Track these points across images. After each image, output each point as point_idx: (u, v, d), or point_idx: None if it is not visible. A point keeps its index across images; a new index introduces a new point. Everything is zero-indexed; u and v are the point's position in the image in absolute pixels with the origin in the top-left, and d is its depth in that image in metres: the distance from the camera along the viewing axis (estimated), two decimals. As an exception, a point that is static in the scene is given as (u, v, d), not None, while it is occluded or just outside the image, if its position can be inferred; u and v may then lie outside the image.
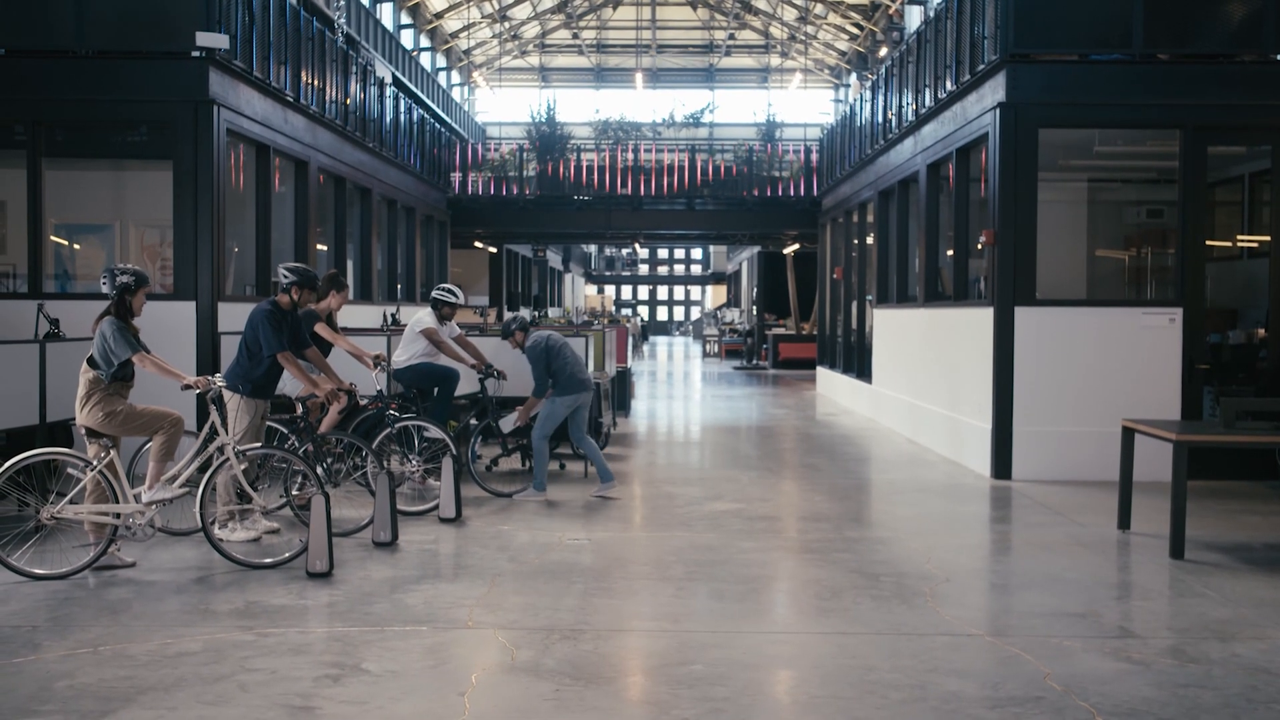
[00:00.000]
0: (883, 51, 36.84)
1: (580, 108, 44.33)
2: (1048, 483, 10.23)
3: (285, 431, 8.28)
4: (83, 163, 12.41)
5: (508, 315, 9.62)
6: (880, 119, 16.43)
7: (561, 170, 25.52)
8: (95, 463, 6.67)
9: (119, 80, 10.89)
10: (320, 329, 8.72)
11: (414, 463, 8.98)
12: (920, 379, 13.60)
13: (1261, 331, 11.13)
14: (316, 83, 13.95)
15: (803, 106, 44.91)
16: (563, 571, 6.84)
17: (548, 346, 9.19)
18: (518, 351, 9.48)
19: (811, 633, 5.72)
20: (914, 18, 30.52)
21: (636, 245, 40.46)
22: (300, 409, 7.87)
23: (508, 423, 9.62)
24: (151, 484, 6.77)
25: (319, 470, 7.46)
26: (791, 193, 25.13)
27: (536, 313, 35.62)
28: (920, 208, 13.82)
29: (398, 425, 8.60)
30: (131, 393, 6.92)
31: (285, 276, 7.62)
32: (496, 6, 43.00)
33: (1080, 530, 8.21)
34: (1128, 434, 8.18)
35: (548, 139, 26.70)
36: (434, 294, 9.75)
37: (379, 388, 8.80)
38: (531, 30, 47.37)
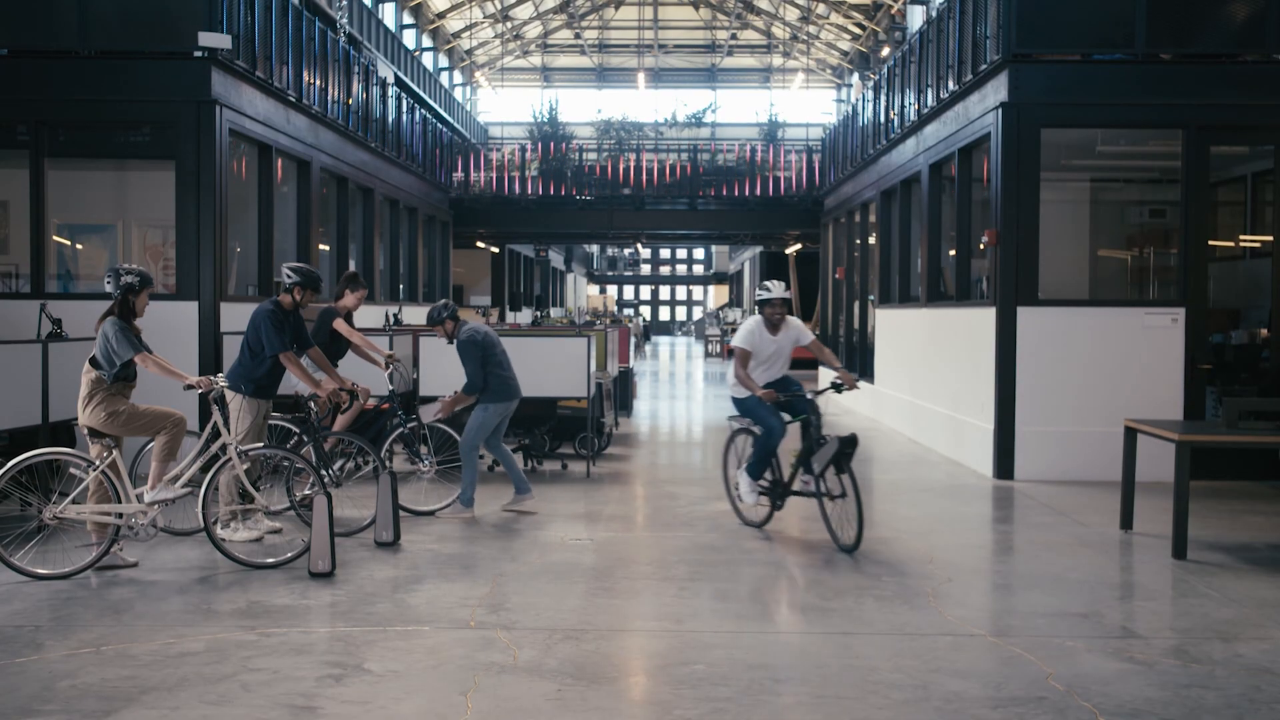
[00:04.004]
0: (885, 51, 36.82)
1: (582, 107, 44.29)
2: (1050, 483, 10.22)
3: (296, 430, 8.27)
4: (85, 163, 12.42)
5: (441, 303, 8.59)
6: (882, 119, 16.42)
7: (564, 170, 25.51)
8: (98, 463, 6.67)
9: (121, 80, 10.90)
10: (338, 325, 8.78)
11: (425, 463, 8.90)
12: (922, 379, 13.59)
13: (1264, 331, 11.12)
14: (319, 83, 13.95)
15: (805, 106, 44.85)
16: (565, 571, 6.84)
17: (484, 341, 8.41)
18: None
19: (814, 633, 5.72)
20: (916, 17, 30.48)
21: (639, 245, 40.49)
22: (312, 407, 7.86)
23: (427, 412, 8.77)
24: (154, 484, 6.78)
25: (324, 470, 7.46)
26: (793, 192, 25.12)
27: (539, 313, 35.68)
28: (922, 208, 13.82)
29: (408, 425, 8.59)
30: (134, 393, 6.92)
31: (288, 276, 7.64)
32: (499, 6, 42.99)
33: (1083, 530, 8.20)
34: (1130, 434, 8.17)
35: (550, 139, 26.71)
36: (758, 295, 8.06)
37: (390, 387, 8.81)
38: (534, 30, 47.37)
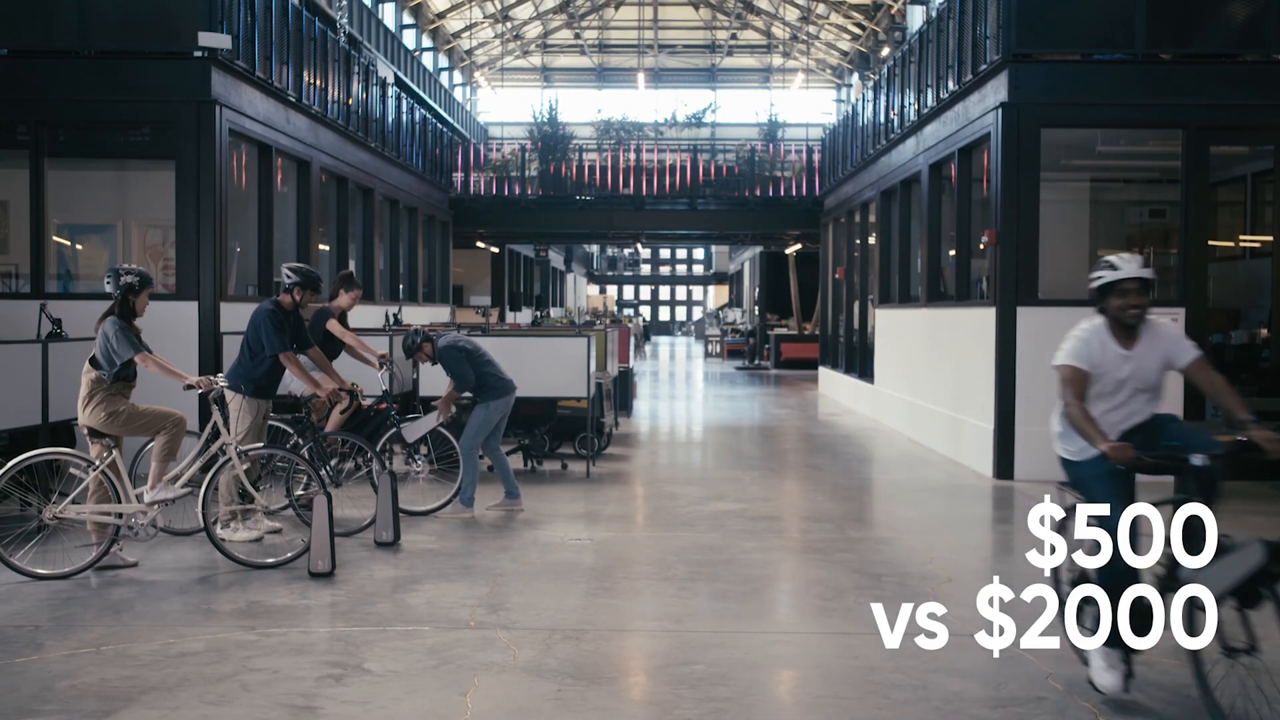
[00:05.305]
0: (885, 51, 36.82)
1: (582, 107, 44.27)
2: (1050, 483, 10.13)
3: (291, 431, 8.28)
4: (85, 163, 12.43)
5: (408, 332, 8.72)
6: (882, 119, 16.42)
7: (564, 170, 25.53)
8: (97, 463, 6.67)
9: (121, 80, 10.90)
10: (332, 326, 8.78)
11: (419, 463, 8.92)
12: (922, 379, 13.59)
13: (1264, 331, 11.13)
14: (319, 83, 13.95)
15: (805, 106, 44.81)
16: (565, 571, 6.84)
17: (466, 345, 8.51)
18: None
19: (814, 633, 5.72)
20: (916, 17, 30.49)
21: (639, 245, 40.47)
22: (306, 408, 7.87)
23: (411, 431, 8.61)
24: (154, 484, 6.78)
25: (323, 470, 7.47)
26: (793, 192, 25.13)
27: (539, 313, 35.68)
28: (922, 208, 13.81)
29: (401, 426, 8.60)
30: (134, 393, 6.92)
31: (288, 277, 7.64)
32: (498, 6, 42.99)
33: (1082, 530, 8.18)
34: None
35: (550, 139, 26.71)
36: (1095, 276, 4.84)
37: (385, 387, 8.81)
38: (534, 30, 47.36)
